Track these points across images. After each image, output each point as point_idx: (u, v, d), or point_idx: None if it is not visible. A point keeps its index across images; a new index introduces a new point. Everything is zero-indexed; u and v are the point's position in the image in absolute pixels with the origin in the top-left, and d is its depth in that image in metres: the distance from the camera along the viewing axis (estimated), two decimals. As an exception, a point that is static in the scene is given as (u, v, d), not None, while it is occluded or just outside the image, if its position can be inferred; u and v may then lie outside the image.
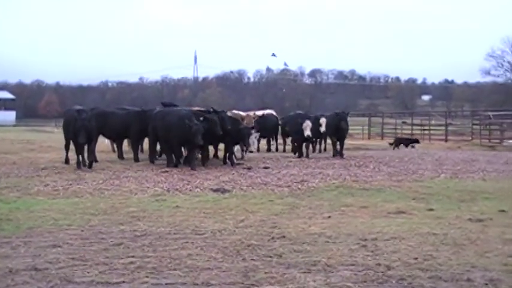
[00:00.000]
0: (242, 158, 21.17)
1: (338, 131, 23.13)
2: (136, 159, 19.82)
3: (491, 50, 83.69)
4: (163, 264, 7.36)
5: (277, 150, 27.35)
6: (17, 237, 8.80)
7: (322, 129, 22.27)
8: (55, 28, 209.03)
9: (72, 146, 17.88)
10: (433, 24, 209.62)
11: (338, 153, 23.36)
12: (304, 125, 21.83)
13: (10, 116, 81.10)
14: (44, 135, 42.52)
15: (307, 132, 21.86)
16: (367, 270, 7.15)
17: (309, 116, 23.20)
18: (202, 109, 20.91)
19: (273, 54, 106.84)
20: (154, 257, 7.71)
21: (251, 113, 23.54)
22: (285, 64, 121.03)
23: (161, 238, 8.81)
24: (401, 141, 33.15)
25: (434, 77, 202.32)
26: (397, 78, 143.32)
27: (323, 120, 22.36)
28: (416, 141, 34.06)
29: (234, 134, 18.70)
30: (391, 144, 33.06)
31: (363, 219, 10.36)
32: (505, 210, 11.27)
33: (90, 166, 17.09)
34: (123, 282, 6.65)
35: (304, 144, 22.96)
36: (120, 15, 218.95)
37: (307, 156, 22.74)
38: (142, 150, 22.75)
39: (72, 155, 18.02)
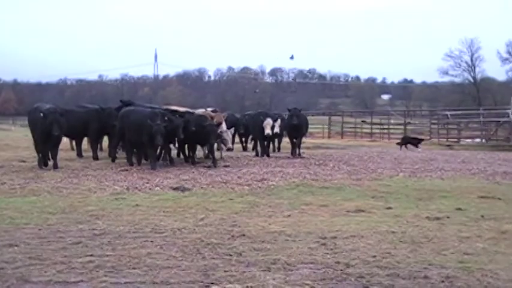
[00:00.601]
0: (221, 157, 20.66)
1: (291, 128, 22.76)
2: (95, 158, 19.67)
3: (449, 51, 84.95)
4: (123, 263, 7.30)
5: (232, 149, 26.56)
6: (-28, 236, 8.67)
7: (276, 129, 21.96)
8: (12, 24, 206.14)
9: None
10: (393, 25, 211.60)
11: (296, 153, 22.93)
12: (265, 123, 21.62)
13: (-34, 113, 79.88)
14: (0, 133, 41.89)
15: (268, 131, 21.62)
16: (326, 268, 7.19)
17: (271, 115, 22.96)
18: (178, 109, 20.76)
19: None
20: (113, 255, 7.65)
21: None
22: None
23: (120, 237, 8.75)
24: (409, 141, 31.59)
25: (394, 76, 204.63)
26: (357, 78, 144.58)
27: (277, 122, 22.06)
28: (422, 140, 32.88)
29: (200, 133, 18.32)
30: (398, 143, 31.78)
31: (322, 218, 10.40)
32: (462, 208, 11.41)
33: (56, 166, 16.81)
34: (81, 281, 6.59)
35: (264, 142, 22.70)
36: (79, 13, 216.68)
37: (268, 155, 22.55)
38: (101, 149, 22.59)
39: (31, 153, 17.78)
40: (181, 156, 20.51)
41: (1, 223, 9.60)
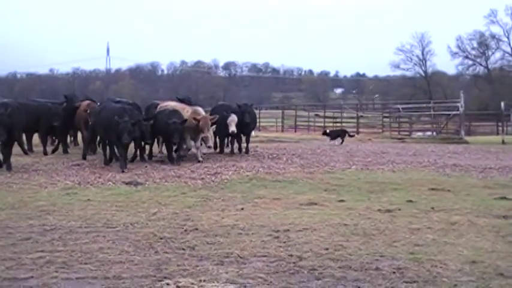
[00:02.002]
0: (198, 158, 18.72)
1: (242, 125, 20.54)
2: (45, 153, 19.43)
3: (400, 45, 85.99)
4: (74, 259, 7.25)
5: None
6: None
7: (232, 129, 19.89)
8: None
9: None
10: (346, 19, 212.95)
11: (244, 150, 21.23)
12: (230, 119, 19.85)
13: None
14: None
15: (232, 128, 19.87)
16: (279, 261, 7.23)
17: (234, 109, 21.09)
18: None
19: None
20: (64, 251, 7.59)
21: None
22: None
23: (72, 232, 8.68)
24: (339, 134, 29.13)
25: (347, 70, 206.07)
26: (310, 71, 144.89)
27: (232, 119, 20.01)
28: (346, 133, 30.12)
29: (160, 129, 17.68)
30: (326, 134, 29.65)
31: (275, 211, 10.45)
32: (413, 200, 11.57)
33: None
34: (32, 277, 6.51)
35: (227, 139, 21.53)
36: (30, 4, 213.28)
37: (233, 152, 20.93)
38: (77, 144, 22.28)
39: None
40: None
41: None
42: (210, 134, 18.57)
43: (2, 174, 14.28)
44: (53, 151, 19.98)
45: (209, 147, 19.29)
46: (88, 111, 18.92)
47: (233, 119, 19.88)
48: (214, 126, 19.39)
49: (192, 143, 18.66)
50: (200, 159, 18.01)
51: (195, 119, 17.94)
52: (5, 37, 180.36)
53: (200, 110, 19.14)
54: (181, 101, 20.59)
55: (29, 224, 9.17)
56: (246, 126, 21.03)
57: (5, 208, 10.44)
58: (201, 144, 18.56)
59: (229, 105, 22.23)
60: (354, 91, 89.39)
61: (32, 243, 8.00)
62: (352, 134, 27.55)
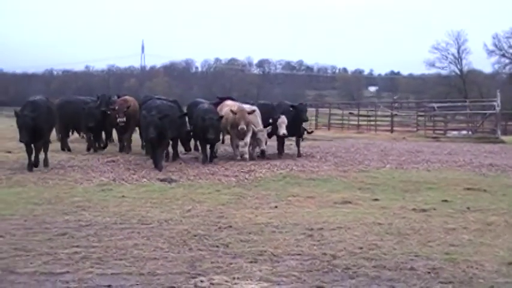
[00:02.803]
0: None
1: (296, 126, 19.33)
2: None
3: (436, 43, 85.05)
4: (109, 254, 7.31)
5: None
6: (-43, 227, 8.64)
7: (283, 131, 18.54)
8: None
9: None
10: (380, 17, 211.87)
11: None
12: (280, 121, 18.53)
13: (-51, 103, 78.97)
14: (-14, 124, 41.62)
15: (283, 131, 18.54)
16: (313, 259, 7.22)
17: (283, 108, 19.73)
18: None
19: None
20: (99, 247, 7.66)
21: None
22: None
23: (107, 228, 8.75)
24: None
25: (381, 68, 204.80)
26: (344, 69, 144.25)
27: (283, 120, 18.58)
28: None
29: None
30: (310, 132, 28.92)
31: (309, 209, 10.43)
32: (448, 200, 11.46)
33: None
34: (68, 272, 6.59)
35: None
36: (67, 3, 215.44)
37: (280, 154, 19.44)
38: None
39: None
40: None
41: (-14, 214, 9.55)
42: (263, 135, 18.10)
43: (39, 169, 14.41)
44: (103, 148, 20.27)
45: (262, 151, 18.40)
46: (116, 108, 18.87)
47: (283, 120, 18.58)
48: (269, 127, 18.65)
49: (242, 141, 17.78)
50: (246, 156, 17.58)
51: (231, 111, 17.60)
52: (42, 35, 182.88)
53: (246, 106, 18.61)
54: (221, 100, 20.40)
55: (65, 220, 9.27)
56: (298, 127, 19.69)
57: (41, 203, 10.56)
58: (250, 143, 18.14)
59: (272, 105, 20.80)
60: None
61: (68, 239, 8.08)
62: (310, 130, 26.77)
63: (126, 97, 20.50)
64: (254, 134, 17.93)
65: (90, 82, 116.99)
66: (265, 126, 18.36)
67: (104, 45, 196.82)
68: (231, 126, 17.86)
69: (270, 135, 19.35)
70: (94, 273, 6.56)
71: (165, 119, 15.46)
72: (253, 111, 17.97)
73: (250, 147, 18.27)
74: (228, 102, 19.29)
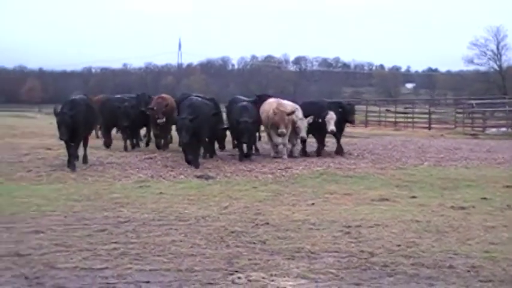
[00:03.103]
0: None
1: (340, 123, 18.81)
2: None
3: (474, 39, 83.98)
4: (147, 251, 7.37)
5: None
6: (-1, 222, 8.78)
7: (331, 127, 17.91)
8: (38, 13, 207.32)
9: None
10: (417, 13, 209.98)
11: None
12: (328, 117, 17.91)
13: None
14: (26, 121, 42.19)
15: (332, 127, 17.91)
16: (350, 256, 7.20)
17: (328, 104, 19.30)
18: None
19: None
20: (138, 243, 7.73)
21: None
22: None
23: (145, 224, 8.83)
24: None
25: (418, 65, 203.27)
26: (381, 66, 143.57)
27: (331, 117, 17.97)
28: None
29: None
30: None
31: (346, 206, 10.41)
32: (487, 197, 11.34)
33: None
34: (107, 268, 6.66)
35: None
36: (104, 1, 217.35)
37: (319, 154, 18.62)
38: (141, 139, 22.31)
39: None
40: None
41: (28, 210, 9.71)
42: (303, 123, 17.72)
43: (78, 166, 14.56)
44: (146, 145, 20.66)
45: (302, 139, 18.16)
46: (154, 108, 18.81)
47: (332, 116, 17.98)
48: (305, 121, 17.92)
49: (279, 139, 17.42)
50: (285, 156, 17.38)
51: (273, 110, 17.22)
52: (81, 33, 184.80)
53: (286, 103, 18.20)
54: (259, 97, 20.11)
55: (104, 216, 9.38)
56: (343, 127, 19.39)
57: (81, 200, 10.70)
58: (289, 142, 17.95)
59: (318, 102, 20.04)
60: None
61: (107, 235, 8.18)
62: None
63: (163, 95, 20.50)
64: (293, 122, 17.63)
65: (128, 80, 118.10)
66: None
67: (141, 43, 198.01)
68: (270, 126, 17.58)
69: (318, 133, 18.75)
70: (133, 269, 6.63)
71: (197, 120, 15.10)
72: (293, 112, 17.49)
73: (289, 145, 18.15)
74: (270, 100, 18.68)
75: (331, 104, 19.62)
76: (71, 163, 14.58)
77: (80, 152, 15.43)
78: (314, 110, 18.37)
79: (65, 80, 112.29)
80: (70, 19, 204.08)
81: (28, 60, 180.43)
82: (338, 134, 18.95)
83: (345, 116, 19.02)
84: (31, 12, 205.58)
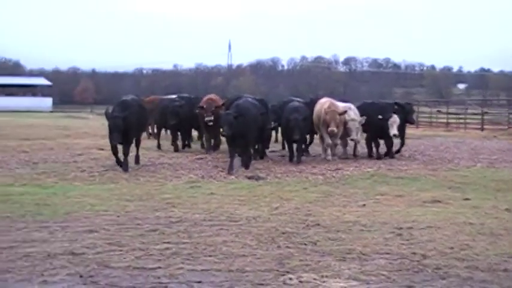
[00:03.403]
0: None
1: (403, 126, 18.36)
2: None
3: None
4: (199, 251, 7.42)
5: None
6: (54, 222, 8.97)
7: (394, 131, 17.27)
8: (91, 16, 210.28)
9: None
10: (469, 12, 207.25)
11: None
12: (391, 120, 17.19)
13: (47, 102, 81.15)
14: (79, 122, 42.88)
15: (394, 131, 17.24)
16: (402, 259, 7.15)
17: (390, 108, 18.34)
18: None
19: None
20: (189, 243, 7.79)
21: None
22: None
23: (196, 225, 8.89)
24: None
25: (471, 65, 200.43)
26: (433, 67, 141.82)
27: (394, 120, 17.29)
28: None
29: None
30: None
31: (397, 208, 10.33)
32: (543, 200, 11.14)
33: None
34: (159, 267, 6.73)
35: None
36: (154, 2, 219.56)
37: (371, 155, 18.16)
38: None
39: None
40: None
41: (82, 209, 9.87)
42: (355, 125, 17.24)
43: (130, 167, 14.72)
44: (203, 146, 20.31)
45: (353, 140, 17.69)
46: (204, 107, 18.75)
47: (395, 120, 17.28)
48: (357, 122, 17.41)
49: (330, 140, 17.07)
50: (329, 157, 17.04)
51: (324, 110, 16.84)
52: (131, 35, 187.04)
53: (338, 104, 17.71)
54: (313, 100, 19.42)
55: (155, 216, 9.48)
56: (403, 128, 18.59)
57: (133, 200, 10.83)
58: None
59: (380, 104, 19.26)
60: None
61: (159, 235, 8.26)
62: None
63: (212, 96, 20.48)
64: (345, 123, 17.22)
65: (178, 81, 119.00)
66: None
67: (191, 44, 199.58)
68: (321, 125, 17.19)
69: (376, 137, 18.11)
70: (185, 269, 6.69)
71: (242, 119, 14.81)
72: (345, 112, 17.08)
73: (341, 147, 18.12)
74: (323, 100, 18.20)
75: (392, 105, 19.03)
76: (125, 165, 14.52)
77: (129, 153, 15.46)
78: (375, 111, 17.77)
79: (117, 81, 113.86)
80: (122, 22, 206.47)
81: (81, 62, 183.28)
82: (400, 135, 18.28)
83: (405, 117, 18.49)
84: (84, 15, 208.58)
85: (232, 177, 13.74)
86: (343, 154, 18.14)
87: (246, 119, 15.06)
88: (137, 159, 15.74)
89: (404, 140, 19.17)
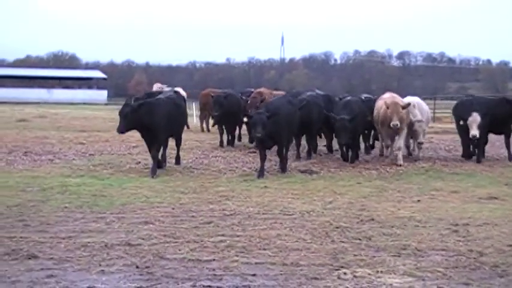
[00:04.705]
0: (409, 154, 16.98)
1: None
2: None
3: None
4: (253, 244, 7.45)
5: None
6: (111, 213, 9.11)
7: (473, 132, 15.30)
8: (146, 10, 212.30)
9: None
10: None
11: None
12: (471, 119, 15.34)
13: (102, 95, 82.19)
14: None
15: (474, 132, 15.25)
16: (459, 255, 7.07)
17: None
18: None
19: None
20: (243, 236, 7.83)
21: None
22: None
23: (250, 218, 8.93)
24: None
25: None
26: (488, 61, 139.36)
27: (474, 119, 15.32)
28: None
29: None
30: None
31: (453, 204, 10.22)
32: None
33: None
34: (214, 260, 6.78)
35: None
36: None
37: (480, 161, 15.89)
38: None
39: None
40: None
41: (137, 201, 10.01)
42: (421, 127, 15.78)
43: (184, 159, 14.83)
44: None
45: (419, 143, 16.25)
46: (248, 101, 18.48)
47: (475, 119, 15.33)
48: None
49: (390, 141, 15.55)
50: (400, 162, 14.82)
51: (385, 104, 15.01)
52: (186, 29, 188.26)
53: (398, 98, 15.85)
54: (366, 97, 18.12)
55: (210, 209, 9.55)
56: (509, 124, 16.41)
57: (187, 192, 10.92)
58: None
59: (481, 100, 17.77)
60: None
61: (213, 227, 8.32)
62: None
63: (261, 90, 20.08)
64: (411, 125, 15.68)
65: (231, 74, 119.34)
66: None
67: (244, 38, 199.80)
68: (381, 123, 15.47)
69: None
70: (239, 261, 6.73)
71: (275, 118, 13.12)
72: (408, 104, 15.20)
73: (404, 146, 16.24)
74: (385, 95, 16.49)
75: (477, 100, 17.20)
76: (153, 167, 13.05)
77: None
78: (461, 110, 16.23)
79: (171, 74, 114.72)
80: (175, 16, 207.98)
81: (136, 55, 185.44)
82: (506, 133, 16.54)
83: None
84: (139, 9, 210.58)
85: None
86: (412, 152, 16.89)
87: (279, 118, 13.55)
88: (178, 160, 14.67)
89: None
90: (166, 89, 26.66)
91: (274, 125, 13.08)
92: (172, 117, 13.83)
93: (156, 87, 32.31)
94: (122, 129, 13.01)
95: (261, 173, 13.03)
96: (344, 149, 15.56)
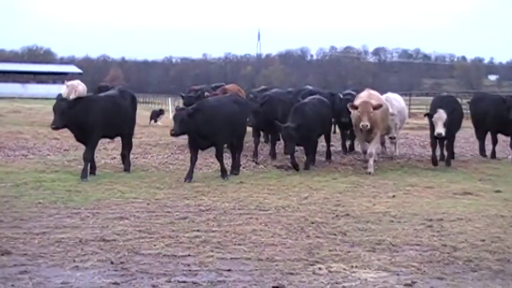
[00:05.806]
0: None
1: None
2: None
3: None
4: (228, 239, 7.45)
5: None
6: (85, 208, 9.08)
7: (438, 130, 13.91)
8: (122, 5, 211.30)
9: None
10: (501, 2, 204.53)
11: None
12: (436, 116, 14.00)
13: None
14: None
15: (439, 130, 13.85)
16: (433, 250, 7.12)
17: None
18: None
19: None
20: (219, 231, 7.83)
21: None
22: None
23: (226, 213, 8.93)
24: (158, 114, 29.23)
25: (502, 56, 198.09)
26: (463, 58, 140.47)
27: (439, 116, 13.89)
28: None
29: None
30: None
31: (428, 199, 10.29)
32: None
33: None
34: (189, 255, 6.77)
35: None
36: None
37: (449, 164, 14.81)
38: None
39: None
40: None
41: (112, 196, 9.98)
42: (393, 120, 15.18)
43: (160, 155, 14.81)
44: None
45: (391, 137, 15.88)
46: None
47: (440, 116, 13.97)
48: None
49: (366, 145, 14.03)
50: (370, 170, 13.39)
51: (352, 106, 13.72)
52: (163, 24, 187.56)
53: (376, 94, 14.63)
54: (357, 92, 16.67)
55: (185, 204, 9.54)
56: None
57: (163, 188, 10.91)
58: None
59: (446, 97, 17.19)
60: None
61: (189, 223, 8.31)
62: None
63: (226, 86, 19.12)
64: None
65: (208, 70, 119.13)
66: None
67: (220, 33, 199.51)
68: (355, 126, 14.24)
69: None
70: (214, 257, 6.72)
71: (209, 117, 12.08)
72: (380, 105, 13.67)
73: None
74: (363, 93, 14.82)
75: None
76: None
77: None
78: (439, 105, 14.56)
79: (147, 70, 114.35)
80: (152, 10, 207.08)
81: (111, 50, 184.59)
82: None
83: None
84: (114, 3, 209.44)
85: (261, 166, 13.75)
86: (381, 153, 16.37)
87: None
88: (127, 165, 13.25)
89: None
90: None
91: (207, 124, 11.95)
92: (110, 116, 12.52)
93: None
94: (58, 124, 11.80)
95: (188, 176, 11.89)
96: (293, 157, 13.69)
